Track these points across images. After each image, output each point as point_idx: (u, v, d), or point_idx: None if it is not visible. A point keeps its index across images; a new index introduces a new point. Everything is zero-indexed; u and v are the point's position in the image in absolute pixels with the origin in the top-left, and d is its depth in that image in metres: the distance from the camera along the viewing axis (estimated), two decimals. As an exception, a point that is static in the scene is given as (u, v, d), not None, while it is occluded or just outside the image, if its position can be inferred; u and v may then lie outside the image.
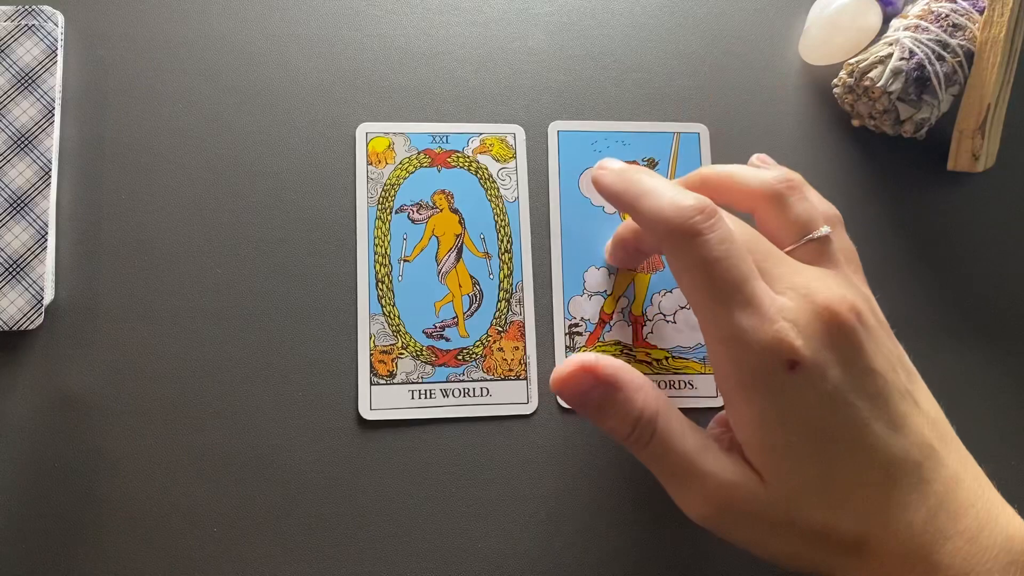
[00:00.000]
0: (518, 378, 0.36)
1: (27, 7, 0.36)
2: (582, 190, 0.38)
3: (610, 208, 0.38)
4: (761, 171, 0.31)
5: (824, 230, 0.29)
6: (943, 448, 0.27)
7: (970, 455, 0.28)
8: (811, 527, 0.26)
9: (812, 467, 0.26)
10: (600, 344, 0.37)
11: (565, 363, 0.28)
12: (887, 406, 0.26)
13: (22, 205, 0.35)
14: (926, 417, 0.27)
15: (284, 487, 0.34)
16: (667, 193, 0.28)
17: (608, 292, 0.37)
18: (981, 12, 0.38)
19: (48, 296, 0.34)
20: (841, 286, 0.28)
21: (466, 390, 0.36)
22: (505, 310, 0.37)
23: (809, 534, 0.26)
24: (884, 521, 0.26)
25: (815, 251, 0.29)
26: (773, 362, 0.25)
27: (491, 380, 0.36)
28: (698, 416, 0.36)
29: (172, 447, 0.34)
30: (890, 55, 0.37)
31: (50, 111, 0.35)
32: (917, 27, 0.37)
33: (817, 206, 0.30)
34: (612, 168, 0.31)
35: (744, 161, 0.39)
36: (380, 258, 0.37)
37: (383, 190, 0.37)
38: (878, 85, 0.36)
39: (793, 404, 0.26)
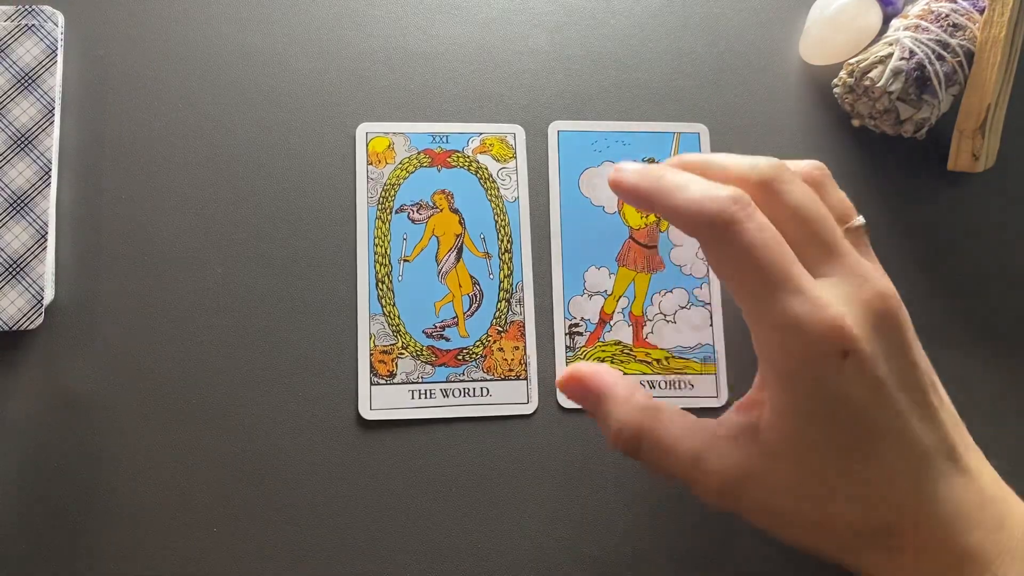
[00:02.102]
0: (518, 378, 0.36)
1: (27, 7, 0.36)
2: (582, 190, 0.38)
3: (610, 208, 0.38)
4: (755, 158, 0.30)
5: (860, 220, 0.29)
6: (963, 441, 0.27)
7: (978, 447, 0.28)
8: (841, 520, 0.26)
9: (848, 460, 0.26)
10: (600, 344, 0.37)
11: (566, 369, 0.31)
12: (923, 399, 0.26)
13: (22, 205, 0.35)
14: (948, 411, 0.28)
15: (284, 487, 0.34)
16: (699, 185, 0.27)
17: (608, 292, 0.37)
18: (981, 12, 0.38)
19: (48, 296, 0.34)
20: (884, 276, 0.28)
21: (466, 390, 0.36)
22: (505, 310, 0.37)
23: (838, 527, 0.26)
24: (915, 512, 0.26)
25: (852, 240, 0.29)
26: (827, 349, 0.25)
27: (491, 380, 0.36)
28: (698, 416, 0.36)
29: (172, 447, 0.34)
30: (890, 55, 0.37)
31: (50, 111, 0.35)
32: (917, 27, 0.37)
33: (843, 197, 0.30)
34: (632, 168, 0.30)
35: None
36: (380, 258, 0.37)
37: (383, 190, 0.37)
38: (878, 85, 0.36)
39: (839, 393, 0.25)
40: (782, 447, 0.26)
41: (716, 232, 0.26)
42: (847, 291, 0.26)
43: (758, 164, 0.28)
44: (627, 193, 0.30)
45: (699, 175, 0.28)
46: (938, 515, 0.26)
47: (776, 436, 0.26)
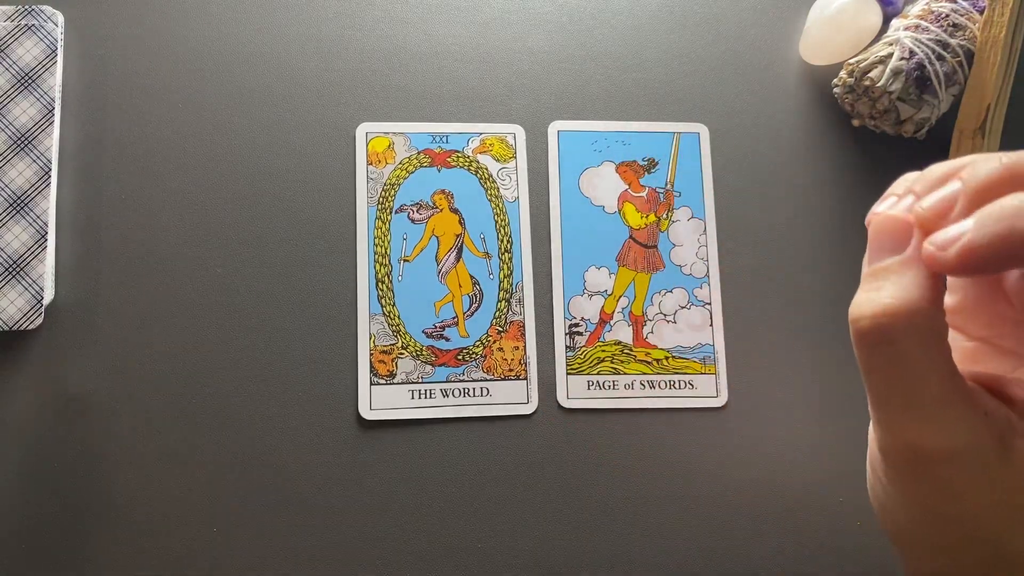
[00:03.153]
0: (518, 378, 0.36)
1: (27, 7, 0.36)
2: (582, 190, 0.38)
3: (610, 208, 0.38)
4: None
5: None
6: None
7: None
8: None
9: None
10: (600, 344, 0.37)
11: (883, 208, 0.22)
12: None
13: (22, 205, 0.35)
14: None
15: (284, 487, 0.34)
16: None
17: (608, 292, 0.37)
18: (981, 12, 0.38)
19: (48, 296, 0.34)
20: None
21: (466, 390, 0.36)
22: (505, 310, 0.37)
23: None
24: None
25: None
26: None
27: (491, 380, 0.36)
28: (698, 416, 0.37)
29: (172, 446, 0.34)
30: (890, 55, 0.37)
31: (50, 111, 0.35)
32: (917, 27, 0.37)
33: None
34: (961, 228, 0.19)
35: (746, 161, 0.39)
36: (380, 258, 0.37)
37: (383, 190, 0.37)
38: (878, 85, 0.36)
39: None
40: None
41: None
42: None
43: None
44: (968, 264, 0.19)
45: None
46: None
47: None
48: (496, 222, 0.38)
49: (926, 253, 0.20)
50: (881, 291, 0.20)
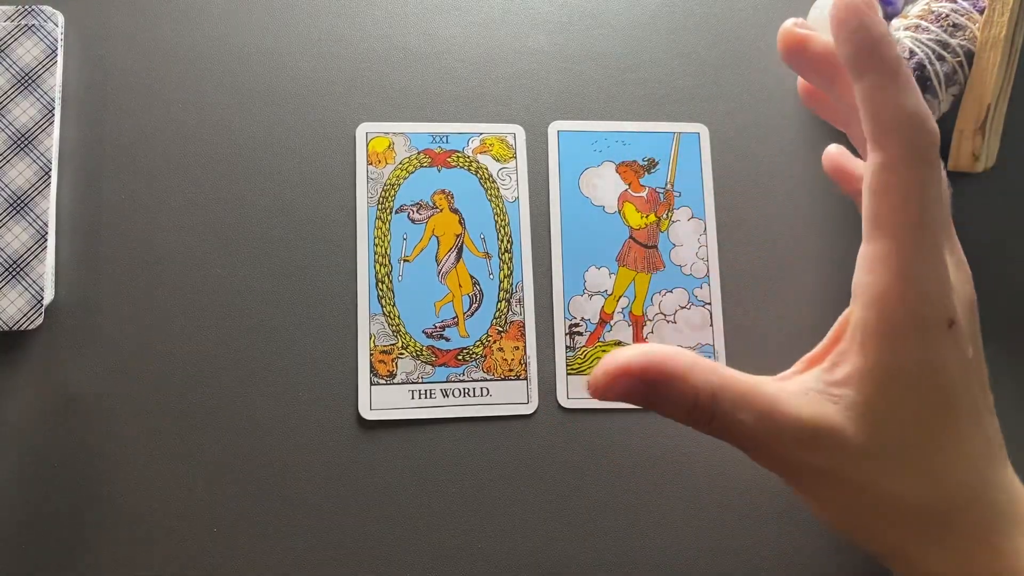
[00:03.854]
0: (518, 378, 0.36)
1: (27, 7, 0.36)
2: (582, 190, 0.38)
3: (610, 208, 0.38)
4: None
5: (950, 187, 0.29)
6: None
7: None
8: (905, 498, 0.25)
9: (928, 431, 0.25)
10: (600, 344, 0.37)
11: (599, 368, 0.26)
12: (987, 389, 0.27)
13: (22, 205, 0.35)
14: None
15: (284, 487, 0.34)
16: (917, 95, 0.25)
17: (608, 292, 0.37)
18: (981, 12, 0.38)
19: (48, 296, 0.34)
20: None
21: (466, 390, 0.36)
22: (505, 310, 0.37)
23: (899, 506, 0.25)
24: (977, 499, 0.25)
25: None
26: (939, 314, 0.25)
27: (491, 380, 0.36)
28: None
29: (172, 447, 0.34)
30: (890, 55, 0.37)
31: (50, 111, 0.35)
32: (917, 27, 0.37)
33: None
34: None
35: (746, 161, 0.39)
36: (380, 258, 0.37)
37: (383, 190, 0.37)
38: (878, 85, 0.36)
39: (936, 361, 0.25)
40: (863, 409, 0.25)
41: (907, 154, 0.25)
42: (953, 264, 0.26)
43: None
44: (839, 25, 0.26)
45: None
46: (995, 506, 0.25)
47: (859, 397, 0.25)
48: (496, 222, 0.38)
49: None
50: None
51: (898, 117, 0.24)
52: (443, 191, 0.38)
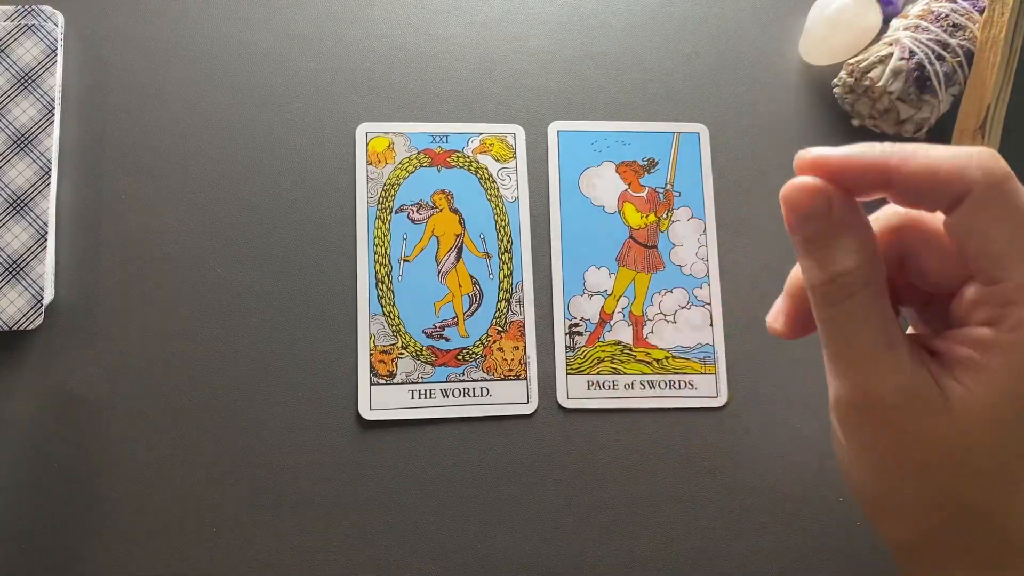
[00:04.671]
0: (518, 378, 0.36)
1: (27, 7, 0.36)
2: (582, 190, 0.38)
3: (610, 208, 0.38)
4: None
5: None
6: None
7: None
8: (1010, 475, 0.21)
9: None
10: (600, 344, 0.37)
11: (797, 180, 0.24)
12: None
13: (22, 205, 0.35)
14: None
15: (284, 487, 0.34)
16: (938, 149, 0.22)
17: (608, 292, 0.37)
18: (981, 12, 0.38)
19: (48, 296, 0.34)
20: None
21: (466, 390, 0.36)
22: (505, 310, 0.37)
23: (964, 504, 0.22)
24: None
25: None
26: None
27: (491, 380, 0.36)
28: (698, 416, 0.36)
29: (172, 447, 0.34)
30: (890, 55, 0.37)
31: (50, 111, 0.35)
32: (917, 27, 0.37)
33: None
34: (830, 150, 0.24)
35: (746, 161, 0.39)
36: (380, 258, 0.37)
37: (383, 190, 0.37)
38: (878, 85, 0.36)
39: None
40: (986, 404, 0.21)
41: (991, 184, 0.21)
42: None
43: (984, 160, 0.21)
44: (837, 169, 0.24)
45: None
46: None
47: (989, 390, 0.21)
48: (496, 222, 0.38)
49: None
50: (833, 251, 0.24)
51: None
52: (443, 191, 0.38)
